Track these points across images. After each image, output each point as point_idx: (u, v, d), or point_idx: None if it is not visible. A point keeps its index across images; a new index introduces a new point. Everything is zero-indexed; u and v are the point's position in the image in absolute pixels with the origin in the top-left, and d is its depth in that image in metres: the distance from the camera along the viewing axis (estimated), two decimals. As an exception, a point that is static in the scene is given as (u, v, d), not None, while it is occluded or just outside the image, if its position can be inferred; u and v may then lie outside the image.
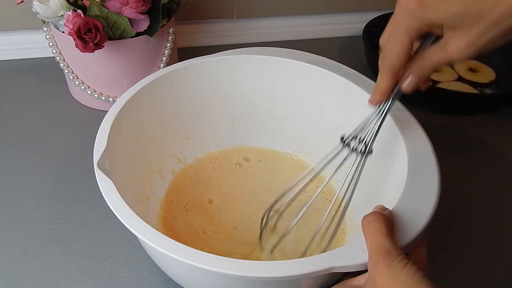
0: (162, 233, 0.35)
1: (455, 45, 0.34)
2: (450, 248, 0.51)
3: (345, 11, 0.82)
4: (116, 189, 0.38)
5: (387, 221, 0.35)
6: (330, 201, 0.47)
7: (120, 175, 0.42)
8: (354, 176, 0.41)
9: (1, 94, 0.68)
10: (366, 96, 0.48)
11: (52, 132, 0.62)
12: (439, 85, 0.72)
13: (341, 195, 0.41)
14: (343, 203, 0.42)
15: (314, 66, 0.53)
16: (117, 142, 0.44)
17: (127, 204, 0.37)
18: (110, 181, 0.38)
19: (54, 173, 0.57)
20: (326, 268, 0.33)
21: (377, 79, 0.40)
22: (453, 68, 0.76)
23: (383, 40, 0.38)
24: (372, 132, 0.41)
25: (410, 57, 0.38)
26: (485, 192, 0.58)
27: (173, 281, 0.45)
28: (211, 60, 0.53)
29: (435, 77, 0.74)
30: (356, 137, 0.41)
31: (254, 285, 0.37)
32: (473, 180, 0.60)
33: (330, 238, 0.43)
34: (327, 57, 0.54)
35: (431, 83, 0.39)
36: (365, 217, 0.36)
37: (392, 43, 0.37)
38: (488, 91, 0.74)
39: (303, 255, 0.44)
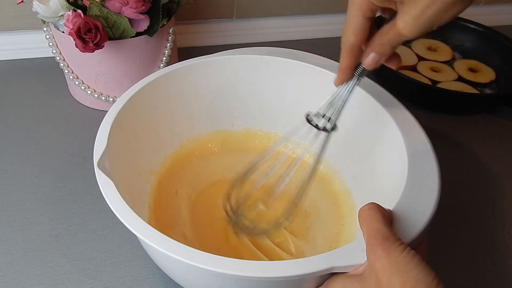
0: (162, 233, 0.35)
1: (403, 20, 0.33)
2: (449, 248, 0.51)
3: (345, 11, 0.82)
4: (116, 189, 0.38)
5: (383, 210, 0.35)
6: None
7: (120, 175, 0.42)
8: (321, 153, 0.43)
9: (1, 94, 0.68)
10: (366, 96, 0.48)
11: (52, 132, 0.62)
12: (439, 85, 0.72)
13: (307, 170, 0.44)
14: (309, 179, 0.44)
15: (314, 66, 0.53)
16: (117, 142, 0.44)
17: (127, 204, 0.37)
18: (110, 181, 0.38)
19: (54, 173, 0.57)
20: (326, 268, 0.33)
21: (339, 59, 0.40)
22: (453, 68, 0.76)
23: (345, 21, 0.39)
24: (338, 110, 0.42)
25: (370, 34, 0.38)
26: (485, 192, 0.58)
27: (173, 281, 0.45)
28: (211, 60, 0.53)
29: (435, 77, 0.74)
30: (322, 116, 0.43)
31: (254, 285, 0.37)
32: (473, 180, 0.60)
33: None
34: (327, 57, 0.54)
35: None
36: (361, 208, 0.36)
37: (348, 21, 0.37)
38: (488, 91, 0.74)
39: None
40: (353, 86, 0.41)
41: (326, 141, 0.43)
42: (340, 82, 0.41)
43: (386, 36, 0.36)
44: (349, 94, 0.41)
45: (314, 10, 0.81)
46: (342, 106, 0.42)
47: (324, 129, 0.42)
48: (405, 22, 0.33)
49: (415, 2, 0.32)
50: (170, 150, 0.55)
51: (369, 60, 0.38)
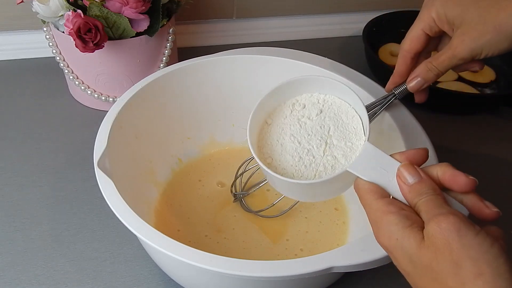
0: (162, 233, 0.35)
1: (460, 39, 0.39)
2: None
3: (345, 11, 0.82)
4: (116, 189, 0.38)
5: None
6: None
7: (120, 175, 0.42)
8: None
9: (1, 94, 0.68)
10: (366, 95, 0.48)
11: (52, 132, 0.62)
12: (439, 85, 0.72)
13: None
14: None
15: (314, 66, 0.53)
16: (117, 142, 0.44)
17: (127, 204, 0.37)
18: (110, 181, 0.39)
19: (54, 173, 0.57)
20: (326, 268, 0.33)
21: (396, 65, 0.45)
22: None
23: None
24: (371, 117, 0.45)
25: (421, 50, 0.43)
26: (484, 192, 0.58)
27: (173, 281, 0.45)
28: (211, 60, 0.53)
29: (435, 77, 0.74)
30: None
31: (254, 284, 0.37)
32: (473, 180, 0.60)
33: None
34: (327, 57, 0.54)
35: (426, 98, 0.47)
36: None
37: (409, 31, 0.43)
38: (488, 91, 0.74)
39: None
40: (391, 101, 0.45)
41: None
42: (391, 86, 0.46)
43: (436, 61, 0.41)
44: (383, 108, 0.45)
45: (314, 10, 0.81)
46: (375, 116, 0.46)
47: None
48: (463, 42, 0.38)
49: (476, 26, 0.38)
50: (170, 149, 0.55)
51: (414, 83, 0.43)
